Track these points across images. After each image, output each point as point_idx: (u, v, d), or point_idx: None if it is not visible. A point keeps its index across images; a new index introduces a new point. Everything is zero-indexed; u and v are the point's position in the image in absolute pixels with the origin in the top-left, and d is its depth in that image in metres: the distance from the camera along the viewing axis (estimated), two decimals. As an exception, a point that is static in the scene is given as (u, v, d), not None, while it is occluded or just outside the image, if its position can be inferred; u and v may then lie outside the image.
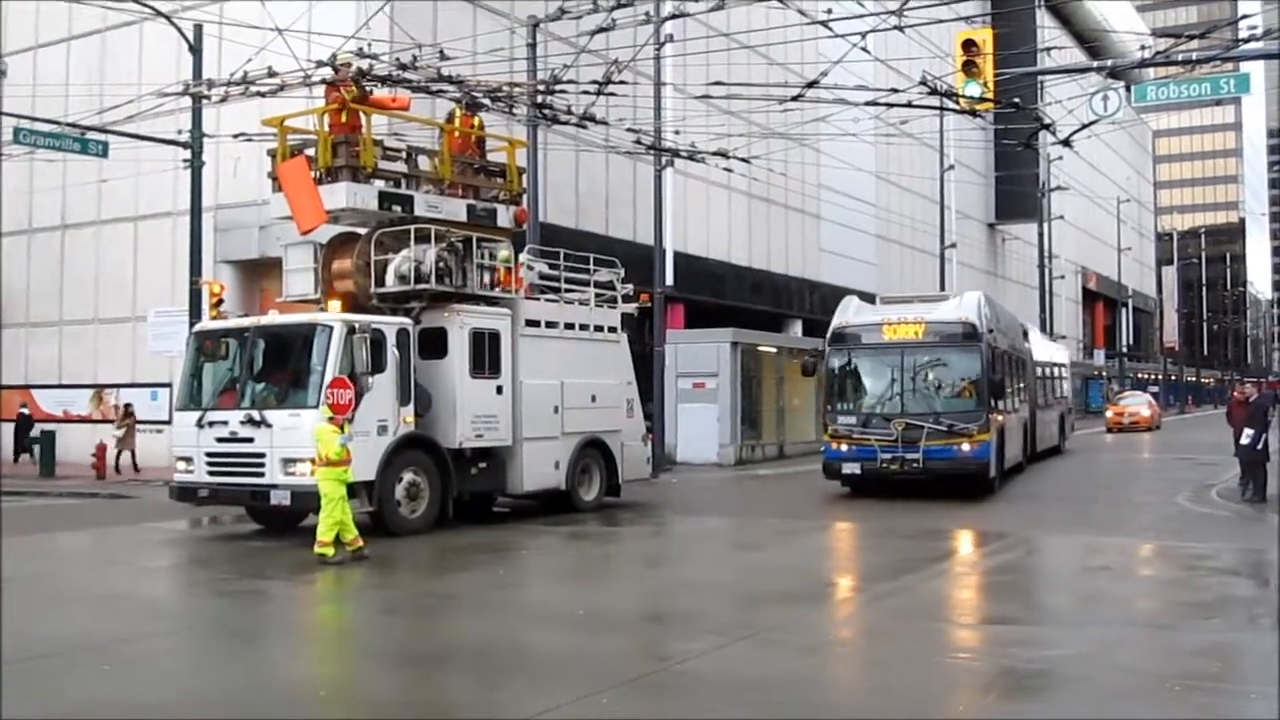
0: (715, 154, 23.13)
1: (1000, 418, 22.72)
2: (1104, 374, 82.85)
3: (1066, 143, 21.30)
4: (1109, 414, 54.14)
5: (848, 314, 22.81)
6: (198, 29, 25.64)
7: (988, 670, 9.00)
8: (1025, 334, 31.85)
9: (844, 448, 21.38)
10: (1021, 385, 28.49)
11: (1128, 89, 27.04)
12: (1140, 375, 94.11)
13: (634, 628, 10.79)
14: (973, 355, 21.25)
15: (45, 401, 34.94)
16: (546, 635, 10.23)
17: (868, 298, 25.94)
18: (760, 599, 11.84)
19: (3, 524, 17.70)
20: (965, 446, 20.64)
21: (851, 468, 21.36)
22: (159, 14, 25.90)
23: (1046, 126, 22.15)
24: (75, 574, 15.06)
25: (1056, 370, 37.58)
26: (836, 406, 22.02)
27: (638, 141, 22.72)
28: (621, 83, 18.07)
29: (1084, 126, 20.97)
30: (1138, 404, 53.93)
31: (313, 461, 14.97)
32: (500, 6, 31.57)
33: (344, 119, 17.74)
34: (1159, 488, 24.13)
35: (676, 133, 26.31)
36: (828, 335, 22.62)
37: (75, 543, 18.20)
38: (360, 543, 14.41)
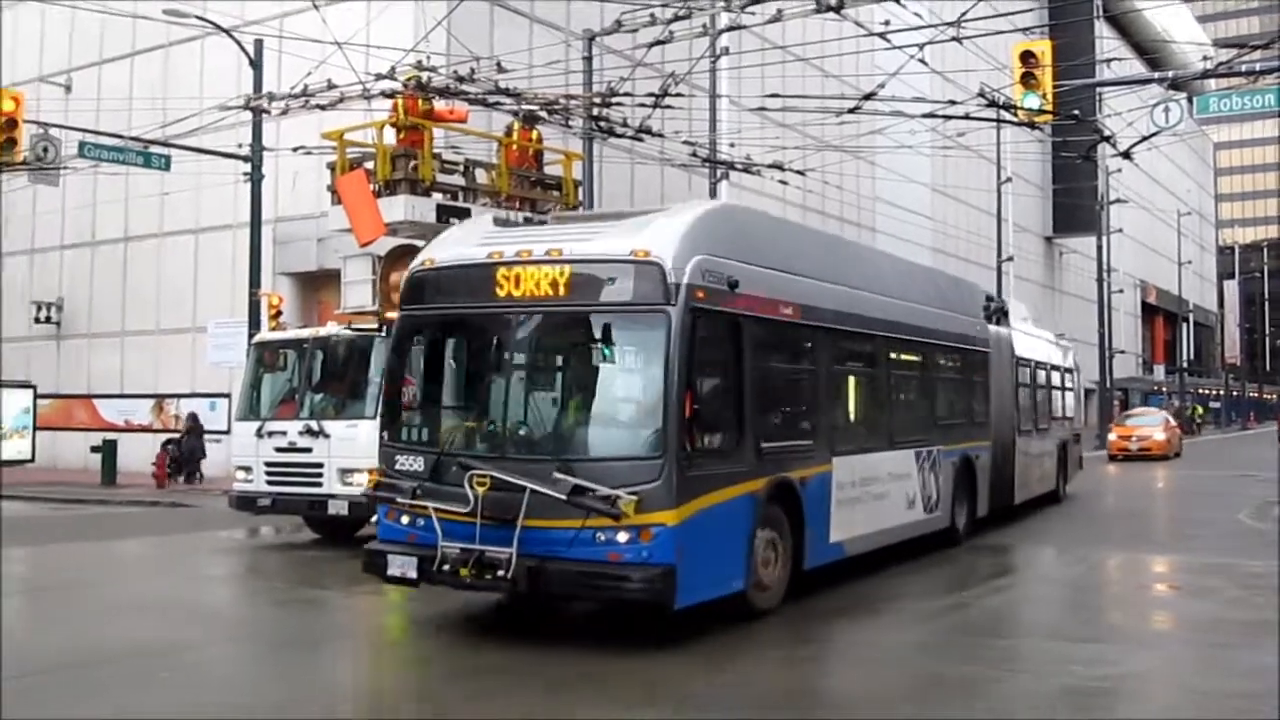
0: (770, 166, 23.08)
1: (805, 468, 11.89)
2: (1164, 390, 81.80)
3: (1127, 155, 21.06)
4: (1112, 436, 42.53)
5: (444, 245, 11.51)
6: (258, 44, 25.95)
7: (1049, 689, 8.89)
8: (998, 315, 20.10)
9: (403, 520, 10.55)
10: (979, 398, 18.02)
11: (1189, 101, 26.79)
12: (1201, 390, 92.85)
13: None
14: (652, 333, 9.90)
15: (107, 411, 35.43)
16: (607, 648, 10.20)
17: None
18: (805, 614, 11.74)
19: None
20: (621, 537, 9.59)
21: (402, 565, 10.38)
22: (221, 29, 26.26)
23: (1107, 139, 21.93)
24: (133, 581, 15.23)
25: (1057, 377, 24.35)
26: (399, 435, 11.16)
27: (693, 154, 22.71)
28: (678, 95, 18.09)
29: (1144, 139, 20.74)
30: (1150, 425, 42.97)
31: (372, 472, 15.11)
32: (556, 20, 31.74)
33: (401, 135, 17.90)
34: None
35: (731, 145, 26.28)
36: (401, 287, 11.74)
37: (134, 550, 18.43)
38: None
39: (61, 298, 37.67)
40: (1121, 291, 71.36)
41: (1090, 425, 52.65)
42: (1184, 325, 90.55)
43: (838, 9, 15.58)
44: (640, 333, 10.16)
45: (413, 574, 10.31)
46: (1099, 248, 57.63)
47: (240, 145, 26.20)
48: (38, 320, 37.70)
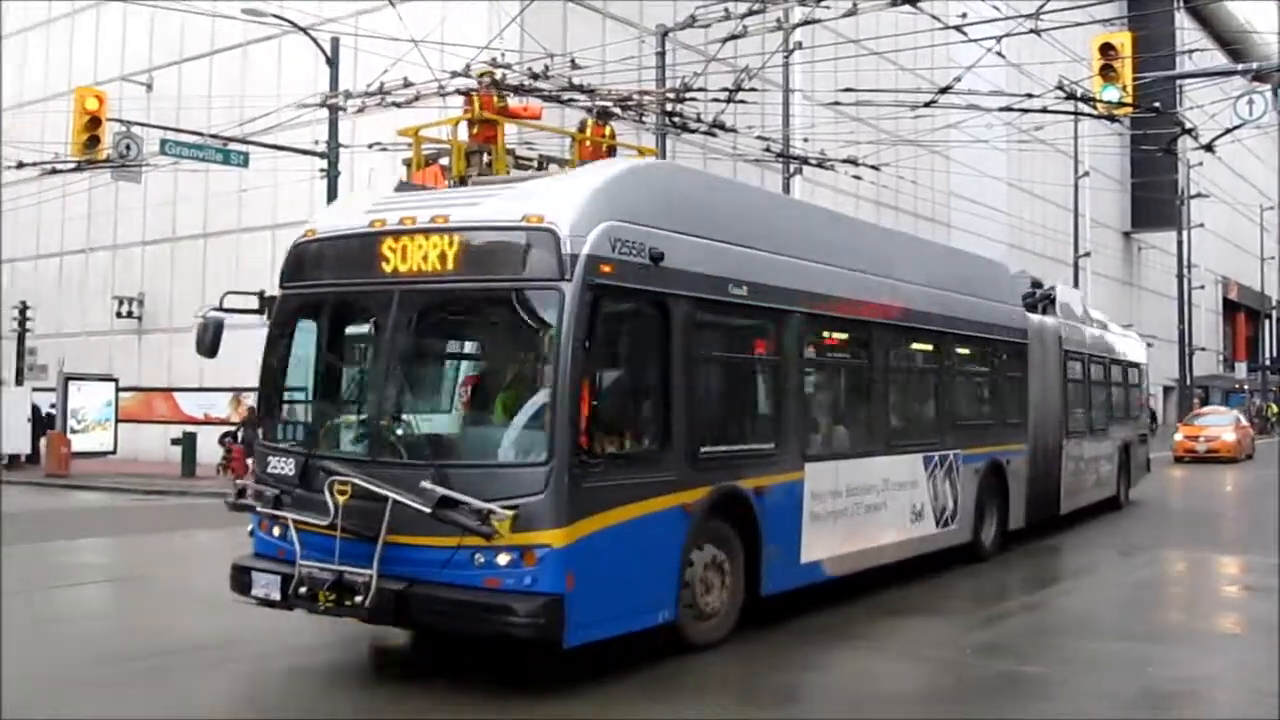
0: (844, 161, 22.93)
1: (763, 476, 10.21)
2: (1245, 387, 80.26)
3: (1209, 148, 20.73)
4: (1178, 437, 39.53)
5: (332, 213, 11.06)
6: (334, 42, 26.24)
7: (1126, 690, 8.78)
8: (1045, 303, 18.67)
9: (274, 532, 9.11)
10: (1013, 395, 15.99)
11: (1274, 93, 26.23)
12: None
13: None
14: (543, 315, 8.40)
15: (186, 404, 36.02)
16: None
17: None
18: (890, 608, 11.66)
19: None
20: (502, 559, 8.05)
21: (266, 584, 8.87)
22: (298, 28, 26.58)
23: (1188, 131, 21.55)
24: (208, 571, 15.45)
25: (1119, 372, 22.15)
26: (274, 433, 9.79)
27: (766, 149, 22.62)
28: (751, 90, 18.03)
29: (1227, 131, 20.39)
30: (1219, 425, 39.94)
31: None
32: (629, 16, 31.77)
33: (474, 130, 17.99)
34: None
35: (805, 140, 26.17)
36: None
37: (211, 542, 18.70)
38: None
39: (143, 293, 38.41)
40: (1202, 287, 70.22)
41: (1170, 424, 51.80)
42: (1266, 322, 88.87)
43: (913, 2, 15.45)
44: (530, 314, 8.50)
45: (276, 595, 8.73)
46: (1179, 243, 56.73)
47: (316, 142, 26.50)
48: (119, 315, 38.45)
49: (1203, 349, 70.03)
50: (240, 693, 8.84)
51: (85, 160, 23.42)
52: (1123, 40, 18.22)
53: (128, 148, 24.84)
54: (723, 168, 32.21)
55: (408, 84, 18.29)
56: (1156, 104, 20.89)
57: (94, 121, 22.39)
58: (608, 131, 19.70)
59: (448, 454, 8.68)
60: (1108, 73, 17.79)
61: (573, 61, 17.80)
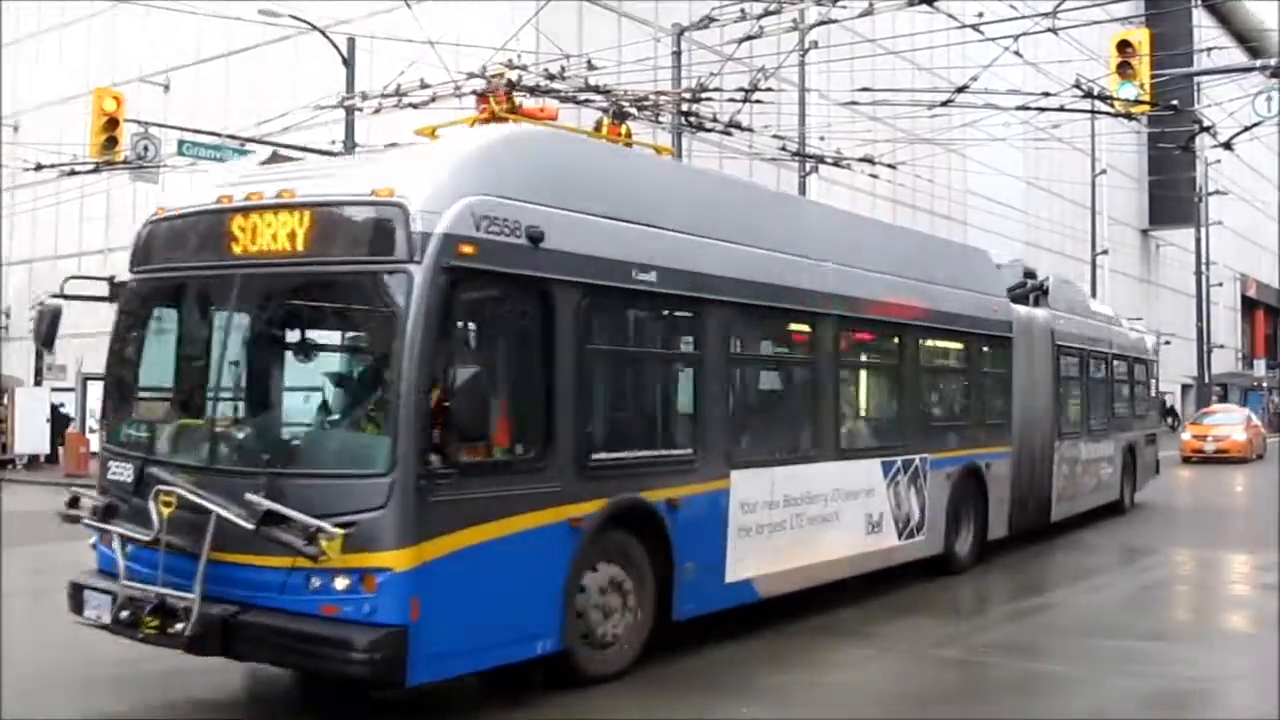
0: (861, 160, 22.90)
1: (677, 485, 9.10)
2: (1264, 385, 79.88)
3: (1228, 145, 20.64)
4: (1186, 436, 38.35)
5: (187, 189, 10.29)
6: (351, 42, 26.30)
7: (1147, 689, 8.76)
8: (1036, 295, 17.21)
9: (114, 546, 7.73)
10: (995, 393, 14.71)
11: (1293, 89, 26.11)
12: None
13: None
14: (389, 302, 7.29)
15: (204, 405, 36.13)
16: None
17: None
18: (897, 608, 11.65)
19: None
20: (339, 584, 7.02)
21: (98, 605, 7.74)
22: (314, 28, 26.65)
23: (1206, 129, 21.46)
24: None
25: (1123, 368, 20.81)
26: (118, 435, 8.63)
27: (783, 148, 22.60)
28: (767, 89, 18.02)
29: (1245, 129, 20.31)
30: (1229, 424, 38.58)
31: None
32: (645, 15, 31.77)
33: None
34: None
35: (821, 139, 26.14)
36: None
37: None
38: None
39: (160, 293, 38.51)
40: (1221, 285, 69.90)
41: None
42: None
43: (930, 1, 15.41)
44: (377, 301, 7.44)
45: (106, 618, 7.60)
46: (1197, 240, 56.51)
47: (333, 142, 26.51)
48: (138, 315, 38.56)
49: (1221, 346, 69.73)
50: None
51: (103, 161, 23.51)
52: (1140, 37, 18.15)
53: (145, 148, 24.94)
54: (739, 166, 32.20)
55: (424, 85, 18.33)
56: (1174, 101, 20.82)
57: (112, 122, 22.49)
58: (624, 130, 19.75)
59: (285, 461, 7.60)
60: (1125, 70, 17.72)
61: (589, 62, 17.82)
